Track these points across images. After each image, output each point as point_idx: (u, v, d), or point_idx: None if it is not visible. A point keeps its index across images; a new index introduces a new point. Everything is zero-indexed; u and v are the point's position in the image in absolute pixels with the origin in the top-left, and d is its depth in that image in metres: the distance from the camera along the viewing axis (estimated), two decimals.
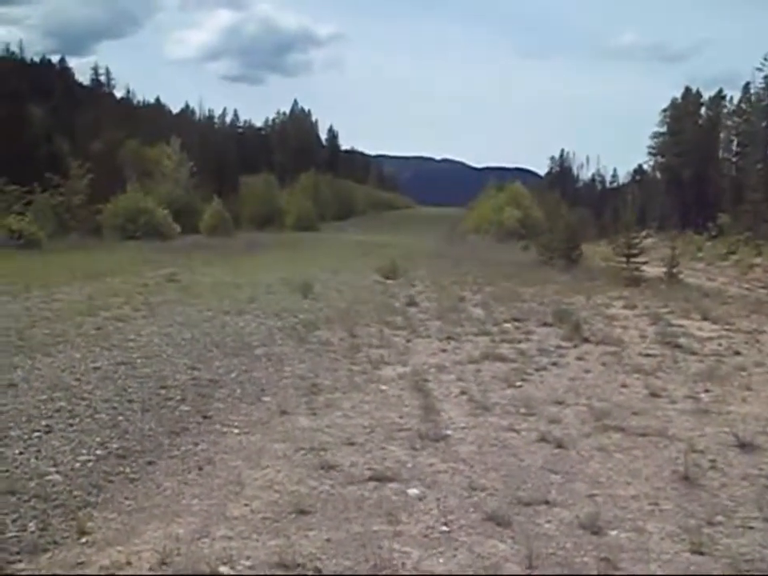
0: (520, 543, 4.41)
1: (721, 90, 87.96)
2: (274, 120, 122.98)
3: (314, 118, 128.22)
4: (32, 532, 4.40)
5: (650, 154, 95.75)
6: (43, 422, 6.44)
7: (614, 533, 4.64)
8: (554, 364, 9.71)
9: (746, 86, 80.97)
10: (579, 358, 10.10)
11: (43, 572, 4.01)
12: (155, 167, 56.14)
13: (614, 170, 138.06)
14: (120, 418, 6.74)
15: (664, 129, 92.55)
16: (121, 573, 4.01)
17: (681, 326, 12.92)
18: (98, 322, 11.55)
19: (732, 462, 6.01)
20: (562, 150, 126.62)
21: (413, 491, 5.23)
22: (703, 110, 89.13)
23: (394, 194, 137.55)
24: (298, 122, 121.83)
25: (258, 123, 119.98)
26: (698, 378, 9.03)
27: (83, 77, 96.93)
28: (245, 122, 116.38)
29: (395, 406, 7.52)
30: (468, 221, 67.79)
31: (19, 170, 37.95)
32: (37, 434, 6.14)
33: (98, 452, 5.81)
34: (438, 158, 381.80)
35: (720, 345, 11.31)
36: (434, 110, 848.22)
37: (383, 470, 5.58)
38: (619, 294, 17.83)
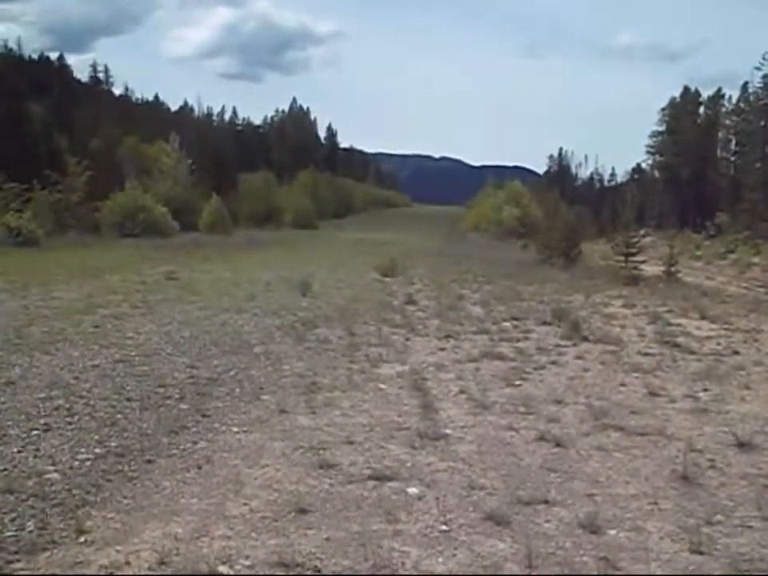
0: (519, 543, 4.41)
1: (719, 90, 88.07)
2: (272, 118, 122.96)
3: (312, 116, 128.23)
4: (30, 531, 4.39)
5: (648, 152, 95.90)
6: (41, 421, 6.44)
7: (613, 532, 4.64)
8: (553, 363, 9.71)
9: (745, 86, 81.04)
10: (578, 357, 10.10)
11: (42, 572, 4.01)
12: (154, 164, 55.92)
13: (613, 168, 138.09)
14: (118, 416, 6.74)
15: (663, 128, 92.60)
16: (120, 573, 4.01)
17: (679, 324, 12.92)
18: (97, 319, 11.55)
19: (731, 462, 6.01)
20: (561, 149, 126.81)
21: (412, 490, 5.22)
22: (702, 109, 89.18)
23: (392, 192, 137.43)
24: (296, 120, 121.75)
25: (257, 121, 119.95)
26: (697, 377, 9.03)
27: (82, 74, 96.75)
28: (243, 119, 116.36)
29: (394, 404, 7.52)
30: (467, 219, 67.72)
31: (17, 167, 37.81)
32: (35, 432, 6.14)
33: (97, 450, 5.80)
34: (436, 156, 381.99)
35: (719, 344, 11.32)
36: (432, 108, 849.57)
37: (382, 468, 5.58)
38: (618, 292, 17.84)
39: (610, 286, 19.39)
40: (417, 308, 14.30)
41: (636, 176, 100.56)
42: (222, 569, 4.03)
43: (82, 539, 4.34)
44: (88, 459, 5.60)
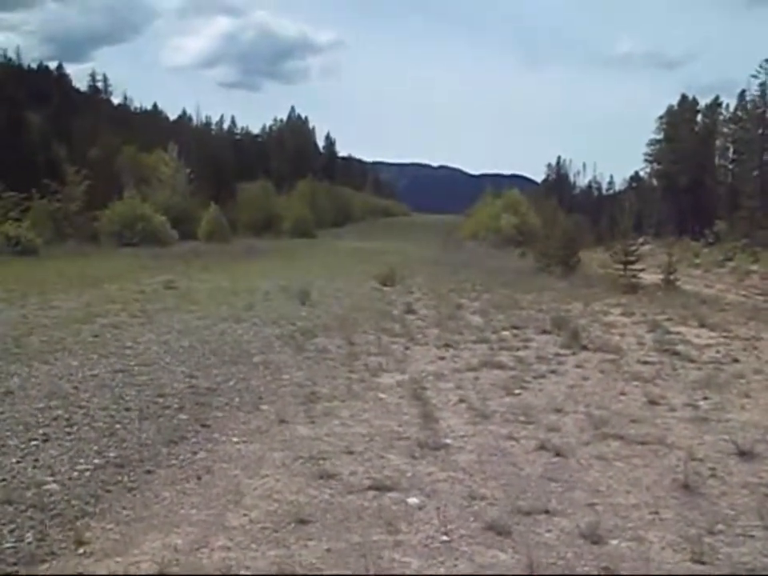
0: (521, 553, 4.39)
1: (717, 98, 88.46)
2: (271, 127, 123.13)
3: (311, 125, 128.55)
4: (29, 543, 4.37)
5: (646, 161, 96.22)
6: (40, 431, 6.42)
7: (614, 542, 4.62)
8: (553, 372, 9.69)
9: (742, 94, 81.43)
10: (578, 366, 10.09)
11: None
12: (152, 174, 55.97)
13: (611, 177, 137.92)
14: (118, 426, 6.72)
15: (660, 136, 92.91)
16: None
17: (679, 333, 12.91)
18: (96, 329, 11.54)
19: (732, 471, 6.00)
20: (559, 157, 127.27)
21: (412, 500, 5.21)
22: (699, 117, 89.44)
23: (391, 201, 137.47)
24: (295, 129, 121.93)
25: (256, 130, 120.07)
26: (697, 385, 9.02)
27: (80, 83, 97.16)
28: (242, 128, 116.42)
29: (394, 414, 7.50)
30: (465, 227, 67.81)
31: (17, 176, 37.84)
32: (34, 442, 6.12)
33: (96, 461, 5.78)
34: (435, 164, 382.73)
35: (718, 352, 11.31)
36: (431, 117, 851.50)
37: (382, 478, 5.56)
38: (617, 301, 17.84)
39: (608, 294, 19.39)
40: (416, 317, 14.29)
41: (634, 184, 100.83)
42: None
43: (81, 550, 4.32)
44: (87, 470, 5.59)
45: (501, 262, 32.26)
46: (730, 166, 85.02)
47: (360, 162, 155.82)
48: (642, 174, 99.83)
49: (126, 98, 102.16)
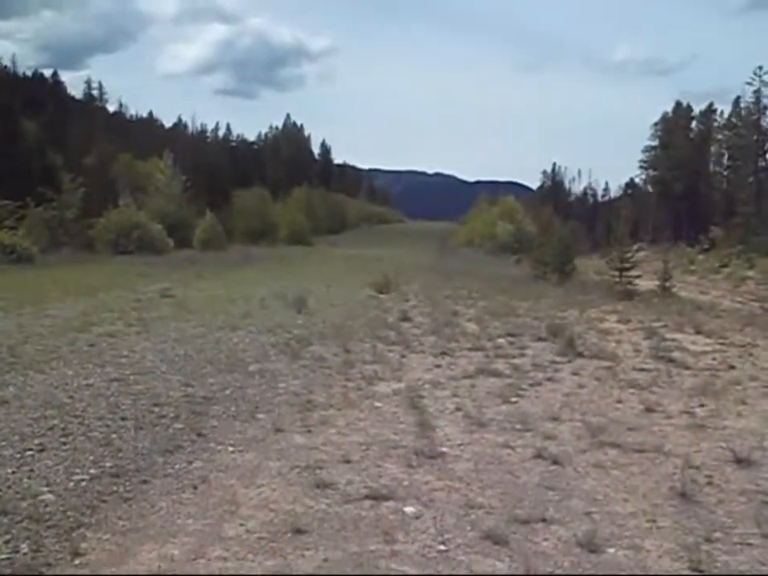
0: (518, 562, 4.39)
1: (711, 104, 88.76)
2: (266, 134, 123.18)
3: (306, 132, 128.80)
4: (25, 554, 4.36)
5: (641, 167, 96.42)
6: (36, 441, 6.40)
7: (611, 551, 4.62)
8: (549, 379, 9.69)
9: (737, 100, 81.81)
10: (574, 373, 10.08)
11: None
12: (148, 181, 56.03)
13: (606, 183, 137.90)
14: (113, 435, 6.70)
15: (655, 143, 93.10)
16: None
17: (675, 340, 12.91)
18: (91, 338, 11.52)
19: (729, 478, 6.00)
20: (554, 164, 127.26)
21: (409, 509, 5.20)
22: (694, 123, 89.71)
23: (386, 208, 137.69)
24: (290, 136, 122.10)
25: (251, 137, 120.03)
26: (693, 392, 9.02)
27: (76, 91, 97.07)
28: (238, 136, 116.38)
29: (390, 422, 7.49)
30: (460, 234, 67.95)
31: (12, 184, 37.92)
32: (29, 452, 6.10)
33: (92, 471, 5.77)
34: (430, 171, 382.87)
35: (714, 359, 11.31)
36: (426, 123, 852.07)
37: (379, 488, 5.55)
38: (613, 307, 17.84)
39: (604, 301, 19.38)
40: (412, 325, 14.28)
41: (629, 191, 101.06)
42: None
43: (77, 561, 4.31)
44: (83, 480, 5.57)
45: (496, 269, 32.29)
46: (725, 173, 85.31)
47: (355, 168, 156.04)
48: (637, 180, 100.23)
49: (121, 105, 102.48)
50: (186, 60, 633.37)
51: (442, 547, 4.62)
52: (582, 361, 10.95)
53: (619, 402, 8.56)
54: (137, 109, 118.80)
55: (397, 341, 12.22)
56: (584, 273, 27.89)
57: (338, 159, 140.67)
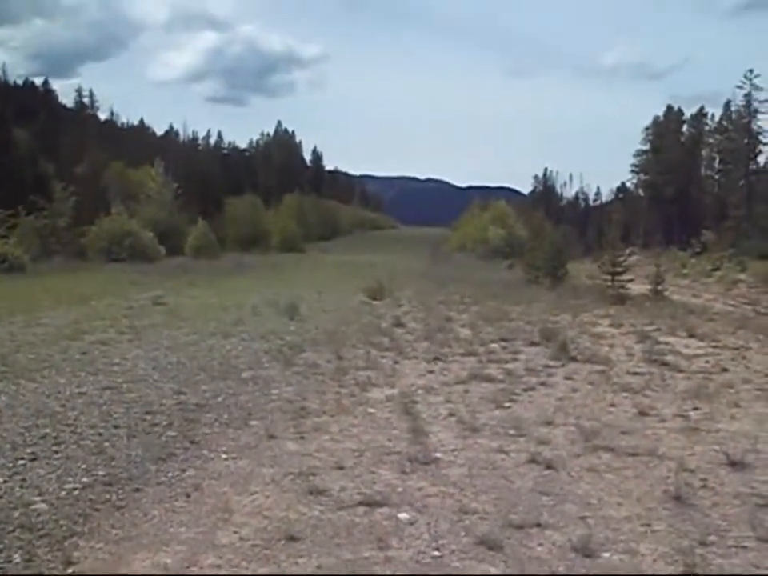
0: (512, 567, 4.38)
1: (702, 108, 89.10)
2: (258, 141, 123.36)
3: (297, 139, 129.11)
4: (17, 563, 4.33)
5: (633, 171, 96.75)
6: (28, 450, 6.37)
7: (606, 555, 4.61)
8: (542, 384, 9.68)
9: (727, 104, 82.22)
10: (567, 378, 10.08)
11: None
12: (139, 189, 55.97)
13: (598, 188, 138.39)
14: (106, 444, 6.67)
15: (647, 147, 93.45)
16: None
17: (667, 343, 12.93)
18: (83, 346, 11.48)
19: (723, 481, 6.00)
20: (546, 169, 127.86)
21: (403, 516, 5.18)
22: (685, 127, 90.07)
23: (378, 214, 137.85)
24: (282, 143, 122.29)
25: (242, 144, 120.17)
26: (687, 395, 9.03)
27: (67, 99, 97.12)
28: (229, 143, 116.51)
29: (384, 428, 7.48)
30: (453, 240, 68.08)
31: (3, 193, 37.81)
32: (21, 461, 6.07)
33: (84, 479, 5.74)
34: (422, 177, 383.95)
35: (707, 362, 11.33)
36: (418, 129, 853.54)
37: (373, 494, 5.53)
38: (605, 312, 17.87)
39: (597, 305, 19.41)
40: (405, 330, 14.27)
41: (621, 195, 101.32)
42: None
43: (69, 570, 4.29)
44: (75, 488, 5.54)
45: (489, 274, 32.33)
46: (716, 176, 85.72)
47: (347, 175, 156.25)
48: (628, 184, 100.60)
49: (112, 113, 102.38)
50: (176, 67, 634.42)
51: (436, 553, 4.60)
52: (575, 365, 10.95)
53: (612, 405, 8.56)
54: (128, 116, 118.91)
55: (390, 347, 12.21)
56: (576, 277, 27.92)
57: (329, 166, 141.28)
